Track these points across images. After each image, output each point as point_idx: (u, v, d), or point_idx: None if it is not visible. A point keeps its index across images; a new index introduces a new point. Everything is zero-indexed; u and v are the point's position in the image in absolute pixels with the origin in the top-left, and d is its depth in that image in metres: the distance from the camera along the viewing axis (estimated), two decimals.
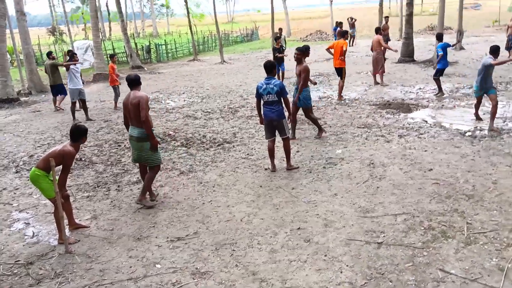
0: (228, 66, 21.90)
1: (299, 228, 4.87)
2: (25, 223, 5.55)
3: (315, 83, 8.80)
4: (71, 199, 5.61)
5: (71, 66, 10.98)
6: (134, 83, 5.53)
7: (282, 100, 6.34)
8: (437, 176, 6.06)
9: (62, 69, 12.62)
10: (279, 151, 7.15)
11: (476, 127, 8.27)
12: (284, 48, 14.81)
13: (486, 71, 7.83)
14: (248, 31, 42.94)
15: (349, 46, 22.63)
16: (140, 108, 5.32)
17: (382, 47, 13.04)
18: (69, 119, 11.05)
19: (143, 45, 27.43)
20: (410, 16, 17.64)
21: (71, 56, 11.46)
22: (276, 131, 6.57)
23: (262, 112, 6.50)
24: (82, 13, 51.46)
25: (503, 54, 14.09)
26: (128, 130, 5.70)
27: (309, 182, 6.18)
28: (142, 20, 67.43)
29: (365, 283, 3.84)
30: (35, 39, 27.80)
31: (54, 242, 4.96)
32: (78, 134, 4.89)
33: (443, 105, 10.27)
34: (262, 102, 6.43)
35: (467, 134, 7.85)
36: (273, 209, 5.42)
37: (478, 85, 8.04)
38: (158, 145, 5.64)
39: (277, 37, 15.08)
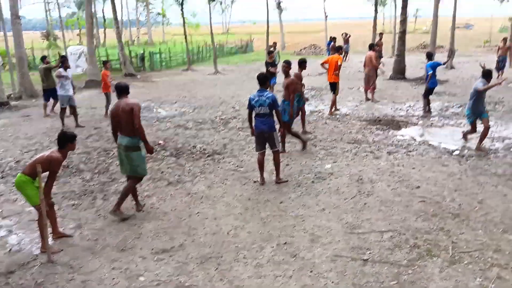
0: (221, 77, 21.96)
1: (285, 243, 4.86)
2: (7, 230, 5.45)
3: (307, 99, 8.84)
4: (56, 207, 5.54)
5: (62, 73, 10.94)
6: (124, 91, 5.53)
7: (274, 112, 6.37)
8: (424, 194, 6.10)
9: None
10: (269, 164, 7.16)
11: (464, 146, 8.36)
12: (277, 63, 14.87)
13: (478, 95, 7.92)
14: (243, 42, 43.15)
15: (343, 61, 22.81)
16: (133, 115, 5.30)
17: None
18: (58, 125, 10.96)
19: (138, 53, 27.41)
20: (403, 33, 17.94)
21: (63, 61, 11.42)
22: (267, 144, 6.58)
23: (253, 124, 6.52)
24: (78, 19, 51.43)
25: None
26: (116, 140, 5.64)
27: (298, 196, 6.18)
28: (137, 28, 67.49)
29: None
30: (28, 43, 27.59)
31: (36, 250, 4.88)
32: (65, 140, 4.85)
33: (432, 123, 10.39)
34: (253, 114, 6.45)
35: (454, 153, 7.93)
36: (261, 222, 5.40)
37: (470, 108, 8.08)
38: (150, 154, 5.60)
39: (270, 51, 15.13)
